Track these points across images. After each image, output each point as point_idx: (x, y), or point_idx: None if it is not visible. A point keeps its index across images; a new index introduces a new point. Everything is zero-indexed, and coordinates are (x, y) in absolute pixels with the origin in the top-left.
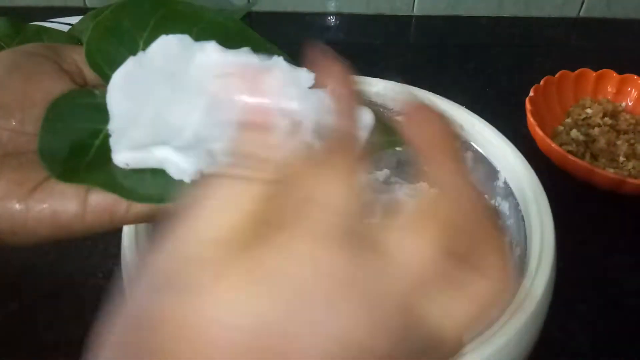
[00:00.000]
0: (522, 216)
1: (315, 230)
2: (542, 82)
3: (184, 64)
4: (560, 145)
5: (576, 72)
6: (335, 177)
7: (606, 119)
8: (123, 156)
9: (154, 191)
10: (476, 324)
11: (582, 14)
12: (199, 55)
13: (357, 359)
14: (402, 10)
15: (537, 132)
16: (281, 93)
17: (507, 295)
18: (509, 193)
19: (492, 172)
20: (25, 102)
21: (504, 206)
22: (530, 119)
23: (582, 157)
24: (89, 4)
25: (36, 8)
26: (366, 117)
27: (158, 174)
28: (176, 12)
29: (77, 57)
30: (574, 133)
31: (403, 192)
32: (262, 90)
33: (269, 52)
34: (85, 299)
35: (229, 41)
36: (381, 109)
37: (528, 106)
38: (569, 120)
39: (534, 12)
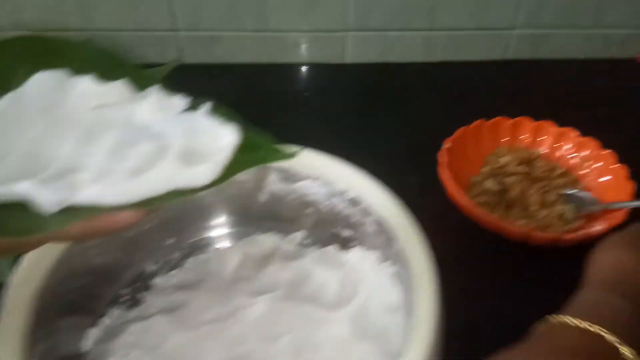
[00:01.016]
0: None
1: None
2: (457, 133)
3: (60, 99)
4: (476, 195)
5: (491, 120)
6: None
7: (521, 167)
8: None
9: (21, 224)
10: None
11: (509, 55)
12: (75, 89)
13: None
14: (334, 59)
15: (448, 184)
16: (151, 119)
17: None
18: (404, 259)
19: (390, 238)
20: None
21: (402, 272)
22: (441, 172)
23: (496, 207)
24: None
25: None
26: (230, 135)
27: (25, 207)
28: (54, 49)
29: None
30: (488, 183)
31: (312, 260)
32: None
33: (149, 82)
34: None
35: (109, 74)
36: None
37: (440, 159)
38: (486, 169)
39: (462, 56)
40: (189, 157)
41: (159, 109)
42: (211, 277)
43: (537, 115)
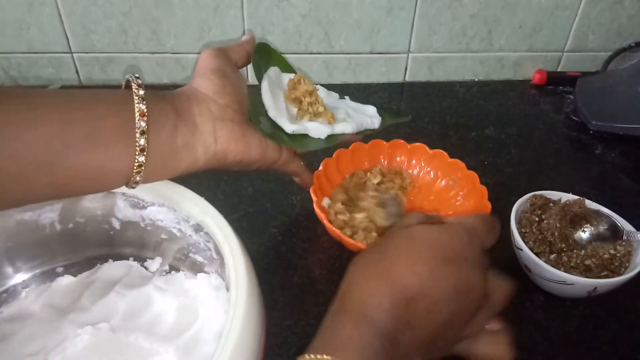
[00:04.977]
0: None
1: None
2: (333, 155)
3: (280, 83)
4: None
5: (370, 142)
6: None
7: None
8: (290, 127)
9: (305, 143)
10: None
11: (407, 78)
12: (284, 79)
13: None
14: None
15: (314, 204)
16: (327, 99)
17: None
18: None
19: (223, 263)
20: (225, 91)
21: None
22: (311, 192)
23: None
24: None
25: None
26: (372, 107)
27: (304, 136)
28: (269, 53)
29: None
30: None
31: (155, 288)
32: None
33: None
34: None
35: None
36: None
37: (314, 180)
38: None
39: (362, 79)
40: (362, 115)
41: (328, 95)
42: (45, 309)
43: (427, 136)
